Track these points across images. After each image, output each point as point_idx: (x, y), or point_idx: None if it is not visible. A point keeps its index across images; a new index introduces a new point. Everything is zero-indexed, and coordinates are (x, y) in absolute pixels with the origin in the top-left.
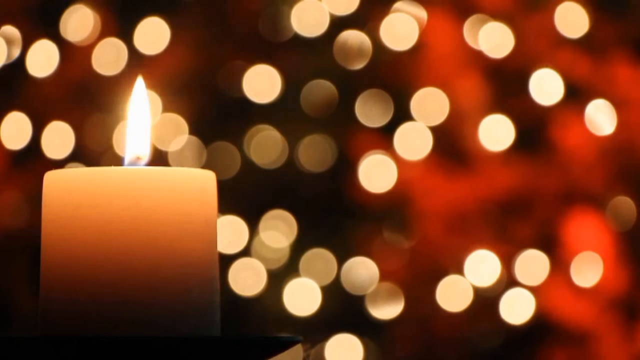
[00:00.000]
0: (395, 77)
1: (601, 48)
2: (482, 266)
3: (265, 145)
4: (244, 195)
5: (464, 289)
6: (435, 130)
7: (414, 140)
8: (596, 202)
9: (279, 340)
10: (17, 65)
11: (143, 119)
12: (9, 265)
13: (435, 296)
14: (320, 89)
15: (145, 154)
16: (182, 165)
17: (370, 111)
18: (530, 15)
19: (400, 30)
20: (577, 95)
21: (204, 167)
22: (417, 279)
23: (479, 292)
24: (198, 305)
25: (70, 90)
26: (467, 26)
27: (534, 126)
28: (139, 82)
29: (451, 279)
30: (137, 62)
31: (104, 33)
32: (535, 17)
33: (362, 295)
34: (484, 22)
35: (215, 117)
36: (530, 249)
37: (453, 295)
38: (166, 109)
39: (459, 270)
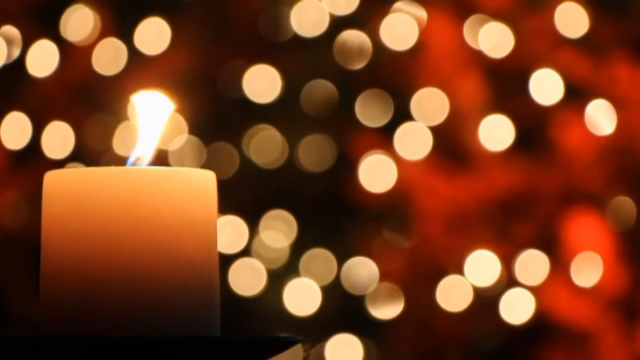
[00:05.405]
0: (395, 77)
1: (601, 48)
2: (482, 266)
3: (265, 145)
4: (244, 195)
5: (464, 289)
6: (435, 130)
7: (414, 140)
8: (596, 202)
9: (279, 340)
10: (17, 65)
11: (156, 130)
12: (9, 265)
13: (435, 296)
14: (320, 89)
15: (146, 156)
16: (182, 165)
17: (370, 111)
18: (530, 15)
19: (400, 30)
20: (577, 95)
21: (204, 167)
22: (417, 279)
23: (479, 292)
24: (198, 305)
25: (70, 90)
26: (467, 26)
27: (534, 126)
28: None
29: (451, 279)
30: (137, 62)
31: (104, 33)
32: (535, 17)
33: (362, 295)
34: (484, 22)
35: (215, 117)
36: (530, 249)
37: (453, 295)
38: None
39: (459, 270)
